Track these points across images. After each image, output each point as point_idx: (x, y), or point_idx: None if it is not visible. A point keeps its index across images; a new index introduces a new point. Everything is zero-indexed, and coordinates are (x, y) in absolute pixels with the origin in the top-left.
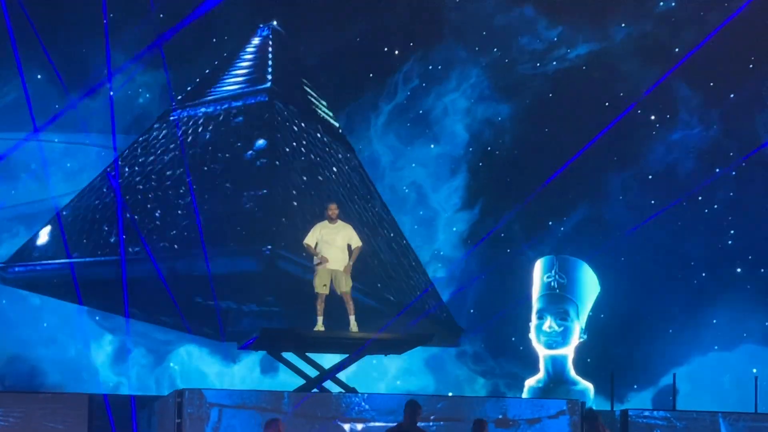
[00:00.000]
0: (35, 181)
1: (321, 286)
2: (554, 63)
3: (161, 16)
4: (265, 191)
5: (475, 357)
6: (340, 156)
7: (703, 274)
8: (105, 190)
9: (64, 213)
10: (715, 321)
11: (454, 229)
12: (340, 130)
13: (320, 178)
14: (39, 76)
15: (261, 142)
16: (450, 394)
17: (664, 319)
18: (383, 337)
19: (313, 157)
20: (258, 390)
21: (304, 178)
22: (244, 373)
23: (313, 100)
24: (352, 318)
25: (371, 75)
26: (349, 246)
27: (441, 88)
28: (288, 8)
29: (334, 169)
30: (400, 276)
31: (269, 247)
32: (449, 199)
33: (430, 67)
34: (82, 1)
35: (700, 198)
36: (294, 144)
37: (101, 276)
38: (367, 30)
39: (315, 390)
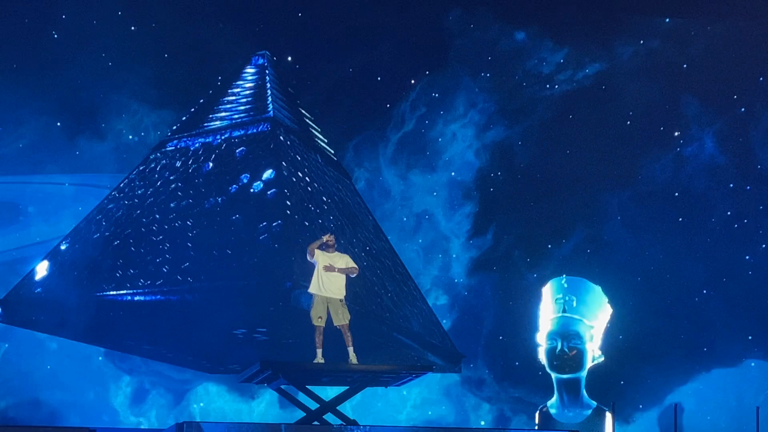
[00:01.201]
0: (44, 224)
1: (317, 319)
2: (562, 85)
3: (165, 56)
4: (279, 222)
5: (479, 383)
6: (337, 183)
7: (705, 291)
8: (104, 223)
9: (63, 247)
10: (717, 337)
11: (454, 255)
12: (335, 157)
13: (324, 206)
14: (59, 124)
15: (269, 172)
16: (484, 425)
17: (666, 337)
18: (383, 368)
19: (316, 185)
20: (255, 423)
21: (311, 207)
22: (263, 408)
23: (310, 127)
24: (350, 350)
25: (377, 105)
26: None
27: (448, 114)
28: (291, 42)
29: (334, 197)
30: (404, 303)
31: (289, 283)
32: (460, 226)
33: (437, 95)
34: (87, 45)
35: (699, 214)
36: (299, 173)
37: (107, 311)
38: (372, 60)
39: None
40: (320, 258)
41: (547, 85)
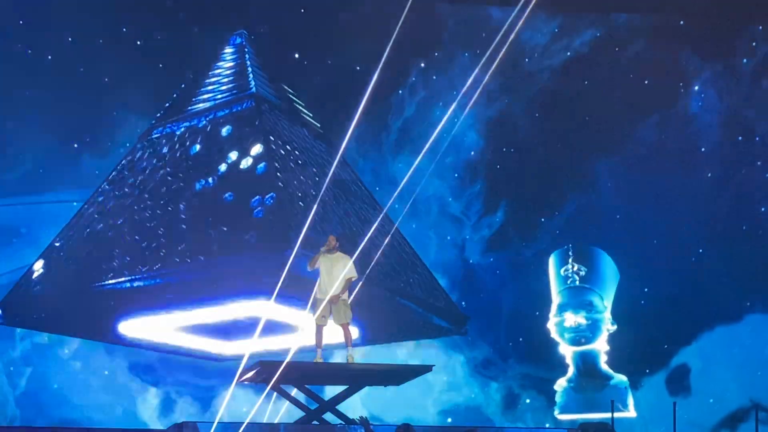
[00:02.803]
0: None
1: (320, 318)
2: (559, 54)
3: (160, 65)
4: (272, 194)
5: (485, 362)
6: (327, 155)
7: (701, 250)
8: (96, 215)
9: (57, 244)
10: (717, 295)
11: (449, 237)
12: (322, 130)
13: (316, 178)
14: (76, 145)
15: (257, 147)
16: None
17: (666, 299)
18: (383, 368)
19: (305, 158)
20: (253, 422)
21: (302, 179)
22: (292, 409)
23: (294, 102)
24: (349, 349)
25: (376, 94)
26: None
27: (448, 96)
28: (284, 36)
29: (326, 169)
30: (405, 269)
31: (288, 251)
32: (468, 206)
33: (434, 77)
34: (92, 63)
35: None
36: (287, 147)
37: (108, 300)
38: (365, 50)
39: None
40: (323, 262)
41: (546, 56)
